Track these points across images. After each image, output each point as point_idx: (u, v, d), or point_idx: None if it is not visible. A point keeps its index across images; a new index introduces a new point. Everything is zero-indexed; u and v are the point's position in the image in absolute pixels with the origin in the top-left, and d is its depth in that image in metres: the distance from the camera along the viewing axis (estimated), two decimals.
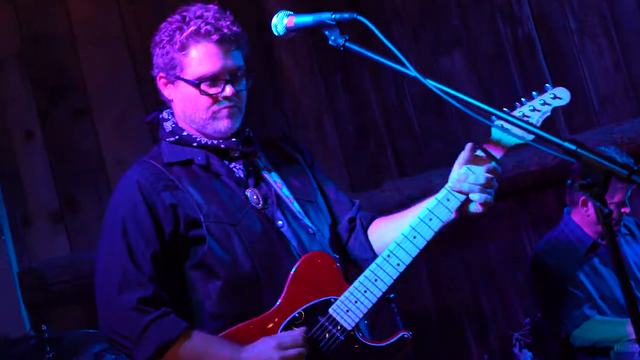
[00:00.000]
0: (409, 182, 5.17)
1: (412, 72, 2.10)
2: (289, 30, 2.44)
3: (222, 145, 2.75)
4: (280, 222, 2.73)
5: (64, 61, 5.14)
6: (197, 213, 2.65)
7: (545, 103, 2.63)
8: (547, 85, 2.67)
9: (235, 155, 2.78)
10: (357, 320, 2.63)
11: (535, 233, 5.15)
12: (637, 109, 5.21)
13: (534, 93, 2.65)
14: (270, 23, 2.49)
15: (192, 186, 2.69)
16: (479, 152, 2.64)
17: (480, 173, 2.59)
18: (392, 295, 4.11)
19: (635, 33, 5.26)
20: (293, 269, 2.65)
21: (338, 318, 2.63)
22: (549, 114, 2.63)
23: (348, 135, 5.26)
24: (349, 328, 2.63)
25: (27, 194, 5.12)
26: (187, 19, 2.70)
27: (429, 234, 2.63)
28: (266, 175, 2.80)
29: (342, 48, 2.28)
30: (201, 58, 2.68)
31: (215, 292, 2.65)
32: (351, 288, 2.64)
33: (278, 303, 2.64)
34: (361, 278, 2.64)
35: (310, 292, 2.65)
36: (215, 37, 2.67)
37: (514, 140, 2.59)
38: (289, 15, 2.46)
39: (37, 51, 5.11)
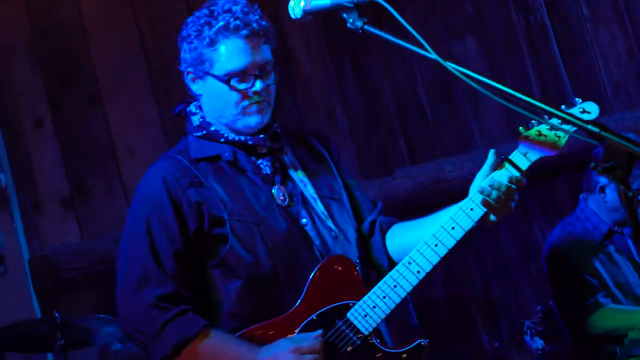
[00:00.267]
0: (420, 169, 5.16)
1: (432, 55, 2.07)
2: (306, 12, 2.40)
3: (250, 142, 2.74)
4: (304, 220, 2.72)
5: (74, 49, 5.12)
6: (222, 211, 2.64)
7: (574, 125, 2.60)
8: (576, 99, 2.63)
9: (263, 151, 2.77)
10: (374, 325, 2.63)
11: (547, 222, 5.13)
12: None
13: (562, 107, 2.61)
14: (282, 10, 2.46)
15: (217, 183, 2.68)
16: (506, 164, 2.60)
17: (504, 184, 2.57)
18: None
19: None
20: (313, 272, 2.64)
21: (355, 322, 2.63)
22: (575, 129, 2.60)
23: (359, 122, 5.24)
24: (366, 333, 2.63)
25: (38, 181, 5.11)
26: (216, 14, 2.68)
27: (450, 243, 2.63)
28: (292, 173, 2.79)
29: (360, 31, 2.25)
30: (231, 54, 2.66)
31: (235, 292, 2.65)
32: (370, 293, 2.64)
33: (297, 305, 2.64)
34: (380, 283, 2.64)
35: (329, 295, 2.65)
36: (244, 32, 2.65)
37: (538, 154, 2.58)
38: None
39: (48, 39, 5.09)
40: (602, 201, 4.24)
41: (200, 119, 2.78)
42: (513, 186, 2.57)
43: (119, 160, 5.14)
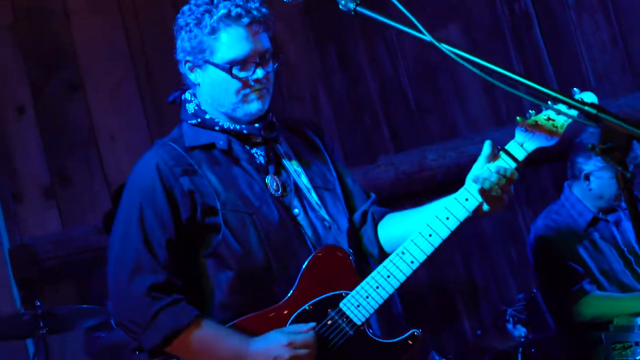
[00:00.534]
0: (403, 157, 5.16)
1: (427, 37, 2.06)
2: None
3: (245, 131, 2.72)
4: (296, 210, 2.71)
5: (56, 33, 5.08)
6: (215, 200, 2.63)
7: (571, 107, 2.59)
8: (574, 89, 2.62)
9: (258, 140, 2.75)
10: (367, 315, 2.62)
11: (530, 209, 5.14)
12: (633, 84, 5.19)
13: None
14: None
15: (211, 172, 2.67)
16: (502, 154, 2.57)
17: (499, 174, 2.54)
18: None
19: (632, 8, 5.23)
20: (306, 262, 2.63)
21: (348, 312, 2.62)
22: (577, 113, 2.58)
23: (343, 110, 5.23)
24: (359, 323, 2.62)
25: (18, 169, 5.08)
26: (216, 2, 2.65)
27: (445, 233, 2.60)
28: (286, 163, 2.77)
29: (352, 12, 2.23)
30: (232, 42, 2.64)
31: (226, 283, 2.63)
32: (363, 283, 2.62)
33: (289, 295, 2.62)
34: (374, 273, 2.63)
35: (322, 285, 2.63)
36: (245, 20, 2.63)
37: (535, 144, 2.55)
38: None
39: (30, 23, 5.04)
40: (586, 189, 4.25)
41: (195, 107, 2.76)
42: (508, 177, 2.55)
43: (100, 148, 5.11)
